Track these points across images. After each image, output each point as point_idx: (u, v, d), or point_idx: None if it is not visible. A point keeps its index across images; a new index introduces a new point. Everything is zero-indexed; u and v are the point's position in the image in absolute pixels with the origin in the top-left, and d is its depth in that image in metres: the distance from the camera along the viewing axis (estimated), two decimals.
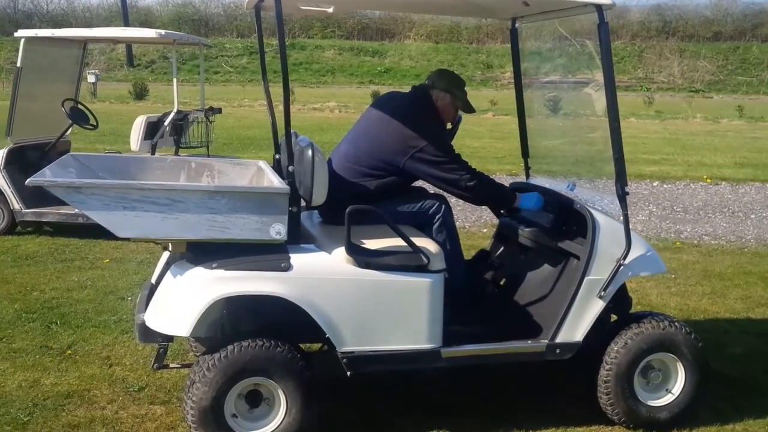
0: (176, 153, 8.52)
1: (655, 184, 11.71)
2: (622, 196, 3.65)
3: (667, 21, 43.22)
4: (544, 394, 4.25)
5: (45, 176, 3.26)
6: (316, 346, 3.99)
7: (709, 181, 11.83)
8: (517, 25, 4.51)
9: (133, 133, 8.30)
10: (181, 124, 8.71)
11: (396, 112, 3.93)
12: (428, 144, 3.81)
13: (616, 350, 3.75)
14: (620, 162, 3.64)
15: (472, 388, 4.29)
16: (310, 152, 3.50)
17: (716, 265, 7.11)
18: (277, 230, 3.33)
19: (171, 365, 4.14)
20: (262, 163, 4.20)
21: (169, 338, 3.55)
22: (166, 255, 3.86)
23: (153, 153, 7.99)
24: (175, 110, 8.31)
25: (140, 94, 26.79)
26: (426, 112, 4.00)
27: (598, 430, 3.86)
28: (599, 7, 3.55)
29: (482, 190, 3.92)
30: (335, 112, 24.09)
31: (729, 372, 4.55)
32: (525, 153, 4.64)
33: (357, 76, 42.58)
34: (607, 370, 3.76)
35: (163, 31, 8.19)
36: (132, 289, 5.79)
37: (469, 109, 4.22)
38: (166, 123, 8.27)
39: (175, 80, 8.59)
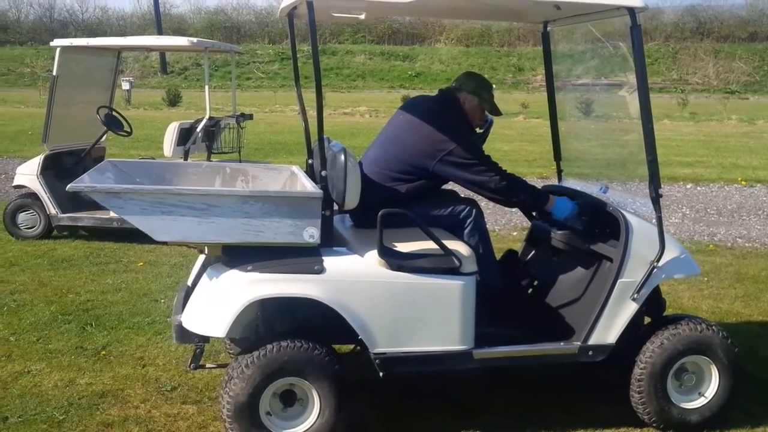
0: (208, 159, 8.65)
1: (688, 186, 11.57)
2: (656, 199, 3.65)
3: (702, 22, 42.64)
4: (575, 392, 4.26)
5: (84, 182, 3.38)
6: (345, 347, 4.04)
7: (743, 183, 11.66)
8: (548, 28, 4.52)
9: (166, 139, 8.44)
10: (213, 130, 8.83)
11: (424, 116, 3.96)
12: (457, 146, 3.84)
13: (651, 351, 3.75)
14: (654, 164, 3.64)
15: (502, 385, 4.32)
16: (342, 157, 3.55)
17: (750, 268, 7.01)
18: (311, 234, 3.40)
19: (207, 365, 4.20)
20: (295, 168, 4.28)
21: (205, 339, 3.66)
22: (201, 258, 3.94)
23: (186, 159, 8.11)
24: (207, 116, 8.43)
25: (173, 100, 27.17)
26: (454, 115, 4.03)
27: (627, 431, 3.85)
28: (631, 10, 3.56)
29: (513, 191, 3.93)
30: (366, 117, 24.19)
31: (762, 375, 4.50)
32: (557, 156, 4.63)
33: (387, 81, 42.69)
34: (640, 371, 3.76)
35: (195, 39, 8.31)
36: (165, 291, 5.90)
37: (496, 112, 4.23)
38: (198, 129, 8.38)
39: (207, 87, 8.72)
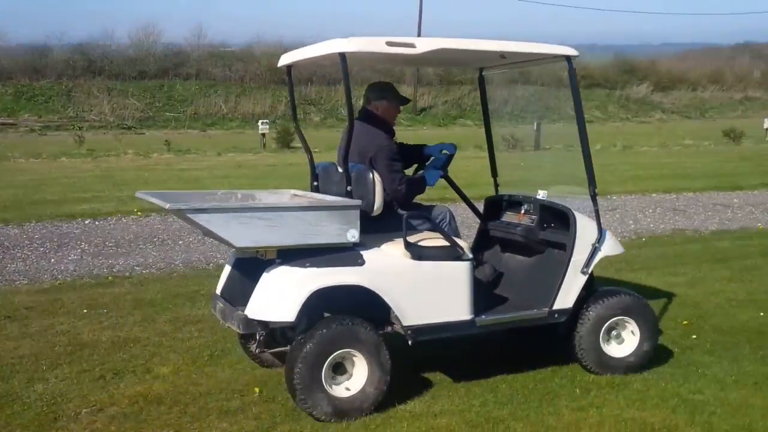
0: None
1: (87, 221, 11.59)
2: (594, 197, 4.94)
3: (92, 60, 43.29)
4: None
5: (172, 202, 4.07)
6: None
7: (140, 214, 12.21)
8: (484, 73, 5.67)
9: None
10: None
11: (356, 138, 4.66)
12: (377, 153, 4.85)
13: (587, 315, 4.94)
14: (590, 170, 4.90)
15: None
16: (370, 174, 4.59)
17: (147, 293, 7.41)
18: (352, 234, 4.31)
19: (268, 351, 4.79)
20: (295, 191, 5.18)
21: (266, 326, 4.34)
22: (228, 269, 4.91)
23: None
24: None
25: None
26: (372, 127, 4.97)
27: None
28: (568, 58, 4.80)
29: (407, 196, 4.93)
30: None
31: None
32: (494, 173, 5.87)
33: None
34: (579, 331, 4.94)
35: None
36: None
37: (405, 101, 5.27)
38: None
39: None
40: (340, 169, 4.79)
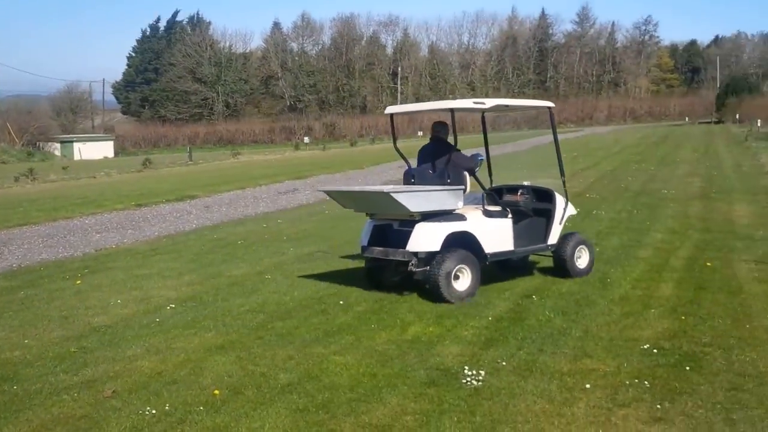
0: None
1: None
2: (564, 182, 8.84)
3: None
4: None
5: (380, 188, 8.01)
6: None
7: None
8: (484, 114, 9.45)
9: None
10: None
11: (438, 153, 8.28)
12: (453, 156, 8.07)
13: (567, 247, 8.64)
14: (561, 166, 8.82)
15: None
16: (464, 172, 7.95)
17: None
18: (459, 204, 7.74)
19: (416, 269, 7.70)
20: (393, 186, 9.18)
21: (417, 255, 7.63)
22: (368, 230, 8.23)
23: None
24: None
25: None
26: (448, 146, 8.31)
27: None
28: (549, 108, 8.93)
29: (473, 170, 8.13)
30: None
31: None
32: (490, 173, 9.26)
33: None
34: (564, 257, 8.63)
35: None
36: None
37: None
38: None
39: None
40: (431, 171, 8.24)
